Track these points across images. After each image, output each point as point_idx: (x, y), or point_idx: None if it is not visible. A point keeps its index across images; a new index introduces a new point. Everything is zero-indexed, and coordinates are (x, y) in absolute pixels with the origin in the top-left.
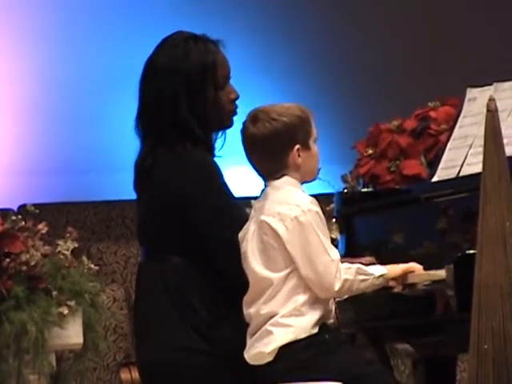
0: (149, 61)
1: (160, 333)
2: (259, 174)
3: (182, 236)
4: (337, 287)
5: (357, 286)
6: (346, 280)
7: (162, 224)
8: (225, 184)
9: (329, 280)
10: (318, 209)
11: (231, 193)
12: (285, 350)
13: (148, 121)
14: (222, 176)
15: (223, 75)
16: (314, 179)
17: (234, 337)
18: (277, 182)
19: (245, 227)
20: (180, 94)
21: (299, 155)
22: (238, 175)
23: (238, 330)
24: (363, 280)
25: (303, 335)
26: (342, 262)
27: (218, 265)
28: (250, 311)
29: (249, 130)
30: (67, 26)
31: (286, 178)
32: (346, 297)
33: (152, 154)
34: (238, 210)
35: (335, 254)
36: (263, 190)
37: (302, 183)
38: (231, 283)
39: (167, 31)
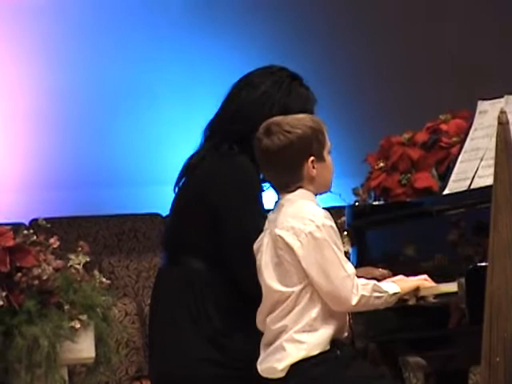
0: (250, 77)
1: (174, 342)
2: (273, 187)
3: (209, 239)
4: (354, 302)
5: (372, 302)
6: (362, 296)
7: (191, 224)
8: (260, 194)
9: (345, 295)
10: (332, 223)
11: (263, 204)
12: (297, 367)
13: (224, 129)
14: (260, 186)
15: None
16: (328, 190)
17: (246, 347)
18: (291, 195)
19: (259, 238)
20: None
21: (314, 167)
22: None
23: (251, 340)
24: (378, 297)
25: (315, 351)
26: (359, 276)
27: (237, 272)
28: (263, 322)
29: (263, 143)
30: (80, 39)
31: (300, 191)
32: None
33: (202, 154)
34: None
35: (351, 268)
36: (277, 202)
37: (316, 194)
38: (248, 292)
39: (178, 44)
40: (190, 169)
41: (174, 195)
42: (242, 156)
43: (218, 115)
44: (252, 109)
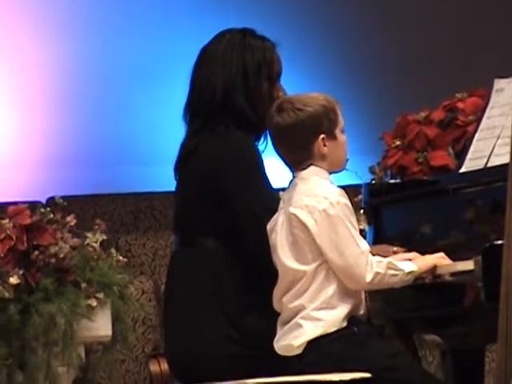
0: (205, 48)
1: (191, 321)
2: (286, 165)
3: (218, 216)
4: (368, 279)
5: (387, 280)
6: (377, 273)
7: (199, 204)
8: (264, 168)
9: (359, 272)
10: (346, 200)
11: (267, 176)
12: (314, 344)
13: (198, 105)
14: (261, 160)
15: (277, 72)
16: (342, 169)
17: (262, 325)
18: (304, 173)
19: (273, 218)
20: (236, 83)
21: (325, 144)
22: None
23: (268, 318)
24: (393, 275)
25: (332, 329)
26: (373, 255)
27: (251, 247)
28: (280, 301)
29: (274, 120)
30: (96, 17)
31: (312, 168)
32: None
33: (196, 136)
34: (275, 195)
35: (365, 245)
36: (291, 181)
37: (330, 173)
38: (263, 268)
39: (195, 22)
40: (189, 154)
41: (175, 181)
42: (238, 132)
43: (189, 96)
44: (214, 77)
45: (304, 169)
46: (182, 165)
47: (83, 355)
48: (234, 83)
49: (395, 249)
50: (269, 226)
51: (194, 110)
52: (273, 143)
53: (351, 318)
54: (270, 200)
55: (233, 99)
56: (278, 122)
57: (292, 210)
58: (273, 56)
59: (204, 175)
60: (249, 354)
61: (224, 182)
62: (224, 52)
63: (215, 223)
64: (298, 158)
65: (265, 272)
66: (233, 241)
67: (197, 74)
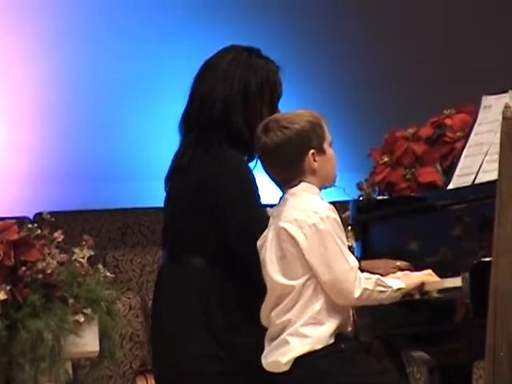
0: (208, 62)
1: (177, 339)
2: (276, 184)
3: (208, 233)
4: (356, 294)
5: (375, 297)
6: (365, 289)
7: (189, 220)
8: (255, 185)
9: (347, 287)
10: (336, 216)
11: (259, 194)
12: (301, 360)
13: (195, 118)
14: (253, 177)
15: (277, 94)
16: (332, 183)
17: (249, 343)
18: (294, 189)
19: (263, 235)
20: (236, 101)
21: (315, 160)
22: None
23: (253, 336)
24: (381, 291)
25: (319, 346)
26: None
27: (243, 262)
28: (268, 317)
29: (261, 140)
30: (84, 33)
31: (303, 185)
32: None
33: (190, 151)
34: (264, 212)
35: (354, 261)
36: (281, 197)
37: (321, 189)
38: (255, 283)
39: (184, 38)
40: (181, 169)
41: (165, 193)
42: (231, 150)
43: (187, 107)
44: (215, 92)
45: (295, 185)
46: (174, 177)
47: (70, 371)
48: (233, 101)
49: (398, 263)
50: (259, 243)
51: (190, 123)
52: (262, 164)
53: (338, 334)
54: (261, 216)
55: (231, 117)
56: (266, 142)
57: (281, 224)
58: (276, 78)
59: (196, 190)
60: (236, 371)
61: (216, 197)
62: (227, 68)
63: (204, 241)
64: (287, 176)
65: (256, 288)
66: (221, 260)
67: (197, 87)
